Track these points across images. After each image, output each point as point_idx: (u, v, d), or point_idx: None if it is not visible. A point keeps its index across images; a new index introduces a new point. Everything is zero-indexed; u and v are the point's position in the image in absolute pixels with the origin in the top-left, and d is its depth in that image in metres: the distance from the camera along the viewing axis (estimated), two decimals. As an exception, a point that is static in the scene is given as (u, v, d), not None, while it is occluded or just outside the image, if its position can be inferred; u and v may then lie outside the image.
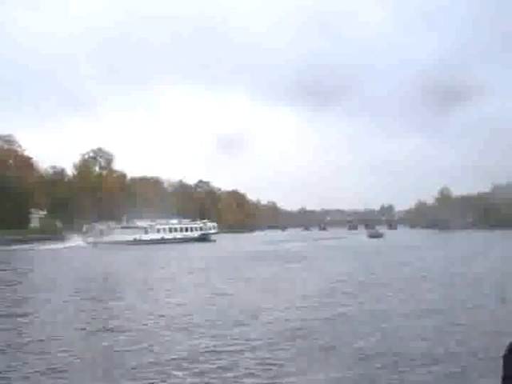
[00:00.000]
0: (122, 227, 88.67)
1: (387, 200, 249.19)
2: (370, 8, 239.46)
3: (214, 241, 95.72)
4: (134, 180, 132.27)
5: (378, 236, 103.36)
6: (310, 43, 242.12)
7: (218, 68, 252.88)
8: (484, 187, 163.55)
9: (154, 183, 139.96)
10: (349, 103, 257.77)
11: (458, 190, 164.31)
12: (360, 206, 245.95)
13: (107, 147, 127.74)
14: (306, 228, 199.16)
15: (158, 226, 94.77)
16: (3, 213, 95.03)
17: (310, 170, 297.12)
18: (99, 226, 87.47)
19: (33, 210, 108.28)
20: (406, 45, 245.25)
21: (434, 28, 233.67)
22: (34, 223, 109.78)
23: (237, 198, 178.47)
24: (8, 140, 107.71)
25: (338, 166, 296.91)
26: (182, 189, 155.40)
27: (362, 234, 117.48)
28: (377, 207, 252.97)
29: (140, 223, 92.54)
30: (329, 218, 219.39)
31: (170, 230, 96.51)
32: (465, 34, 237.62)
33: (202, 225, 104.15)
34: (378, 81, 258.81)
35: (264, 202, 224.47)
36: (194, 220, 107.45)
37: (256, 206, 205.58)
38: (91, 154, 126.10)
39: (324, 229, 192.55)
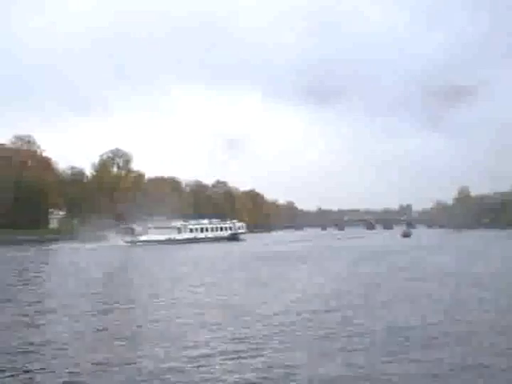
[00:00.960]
0: (157, 227, 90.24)
1: (405, 200, 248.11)
2: (371, 7, 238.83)
3: (244, 240, 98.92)
4: (151, 180, 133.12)
5: (409, 235, 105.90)
6: (313, 41, 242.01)
7: (230, 70, 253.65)
8: (502, 187, 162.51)
9: (171, 183, 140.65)
10: (366, 101, 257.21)
11: (476, 190, 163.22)
12: (377, 206, 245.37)
13: (125, 147, 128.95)
14: (324, 228, 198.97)
15: (191, 226, 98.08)
16: (23, 213, 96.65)
17: (327, 170, 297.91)
18: (136, 227, 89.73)
19: (51, 210, 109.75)
20: (413, 40, 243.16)
21: (438, 26, 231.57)
22: (53, 223, 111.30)
23: (254, 197, 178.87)
24: (27, 141, 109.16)
25: (355, 165, 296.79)
26: (199, 189, 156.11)
27: (383, 234, 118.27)
28: (395, 207, 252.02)
29: (174, 223, 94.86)
30: (346, 218, 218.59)
31: (202, 230, 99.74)
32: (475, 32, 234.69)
33: (231, 225, 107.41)
34: (394, 78, 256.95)
35: (282, 201, 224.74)
36: (223, 220, 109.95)
37: (273, 205, 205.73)
38: (109, 155, 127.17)
39: (342, 229, 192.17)
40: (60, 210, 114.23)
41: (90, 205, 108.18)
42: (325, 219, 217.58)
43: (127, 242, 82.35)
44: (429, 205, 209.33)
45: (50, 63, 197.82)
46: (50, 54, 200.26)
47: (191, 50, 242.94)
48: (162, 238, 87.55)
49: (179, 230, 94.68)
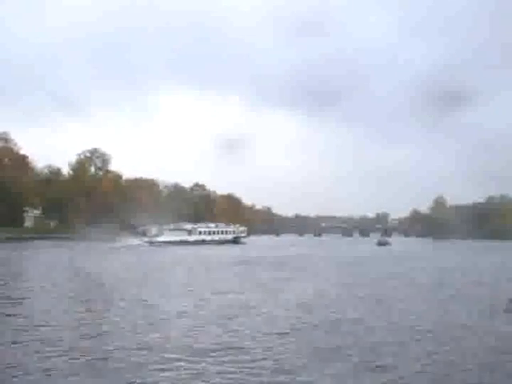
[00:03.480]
0: (170, 229, 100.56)
1: (382, 208, 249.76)
2: (369, 10, 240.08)
3: (244, 243, 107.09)
4: (128, 181, 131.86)
5: (386, 244, 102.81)
6: (307, 44, 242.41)
7: (214, 70, 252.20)
8: (479, 197, 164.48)
9: (149, 185, 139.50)
10: (347, 109, 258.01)
11: (453, 200, 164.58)
12: (355, 213, 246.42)
13: (103, 148, 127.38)
14: (301, 234, 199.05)
15: (200, 229, 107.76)
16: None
17: (305, 176, 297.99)
18: (153, 228, 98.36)
19: (27, 209, 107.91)
20: (408, 47, 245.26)
21: (444, 32, 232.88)
22: (28, 222, 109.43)
23: (232, 201, 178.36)
24: (3, 138, 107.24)
25: (333, 172, 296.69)
26: (178, 191, 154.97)
27: (362, 242, 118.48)
28: (372, 214, 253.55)
29: (185, 226, 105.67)
30: (323, 225, 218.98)
31: (209, 233, 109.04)
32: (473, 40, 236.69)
33: (234, 229, 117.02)
34: (375, 87, 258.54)
35: (259, 206, 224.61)
36: (227, 224, 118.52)
37: (251, 210, 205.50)
38: (87, 155, 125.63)
39: (319, 235, 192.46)
40: (35, 208, 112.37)
41: (66, 205, 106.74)
42: (302, 225, 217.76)
43: (146, 242, 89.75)
44: (406, 213, 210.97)
45: (31, 58, 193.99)
46: (32, 54, 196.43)
47: (177, 49, 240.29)
48: (176, 239, 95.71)
49: (190, 233, 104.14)
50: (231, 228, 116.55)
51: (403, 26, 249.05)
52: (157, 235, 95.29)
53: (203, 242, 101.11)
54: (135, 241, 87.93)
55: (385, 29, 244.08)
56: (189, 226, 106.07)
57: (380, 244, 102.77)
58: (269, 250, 78.67)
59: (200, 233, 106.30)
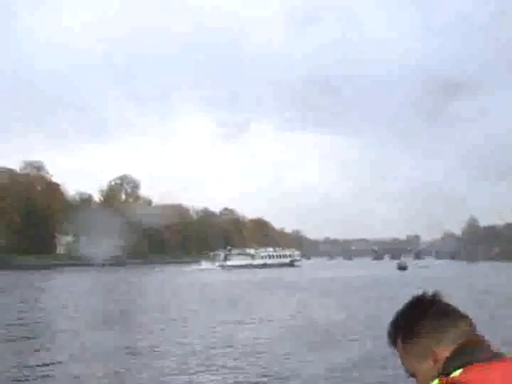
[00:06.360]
0: (237, 254, 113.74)
1: (414, 230, 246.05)
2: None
3: (299, 266, 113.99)
4: (158, 207, 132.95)
5: (405, 267, 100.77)
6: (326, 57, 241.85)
7: (240, 93, 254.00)
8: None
9: (179, 210, 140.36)
10: (375, 126, 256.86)
11: (485, 221, 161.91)
12: (385, 235, 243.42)
13: (133, 173, 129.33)
14: (331, 257, 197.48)
15: (262, 254, 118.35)
16: (30, 238, 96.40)
17: (333, 198, 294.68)
18: (223, 253, 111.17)
19: (59, 235, 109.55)
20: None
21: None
22: (60, 249, 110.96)
23: (261, 225, 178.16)
24: (37, 166, 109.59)
25: (362, 194, 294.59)
26: (207, 216, 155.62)
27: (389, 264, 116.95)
28: (403, 237, 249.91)
29: (248, 251, 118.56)
30: (354, 248, 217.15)
31: (269, 257, 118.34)
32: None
33: (291, 252, 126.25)
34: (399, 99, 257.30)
35: (289, 230, 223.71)
36: (284, 248, 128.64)
37: (280, 233, 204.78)
38: (118, 181, 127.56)
39: (349, 258, 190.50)
40: (67, 235, 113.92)
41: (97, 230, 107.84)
42: (332, 248, 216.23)
43: (218, 266, 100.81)
44: (438, 235, 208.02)
45: (57, 84, 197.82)
46: (59, 80, 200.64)
47: (202, 70, 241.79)
48: (243, 263, 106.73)
49: (253, 257, 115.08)
50: (288, 252, 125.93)
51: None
52: (226, 260, 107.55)
53: (265, 265, 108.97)
54: (208, 265, 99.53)
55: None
56: (252, 251, 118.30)
57: (400, 268, 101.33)
58: (333, 270, 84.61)
59: (262, 257, 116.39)
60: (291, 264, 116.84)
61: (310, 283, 54.68)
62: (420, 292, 1.65)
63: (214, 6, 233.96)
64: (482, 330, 1.61)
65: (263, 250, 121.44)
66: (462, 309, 1.62)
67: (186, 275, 76.49)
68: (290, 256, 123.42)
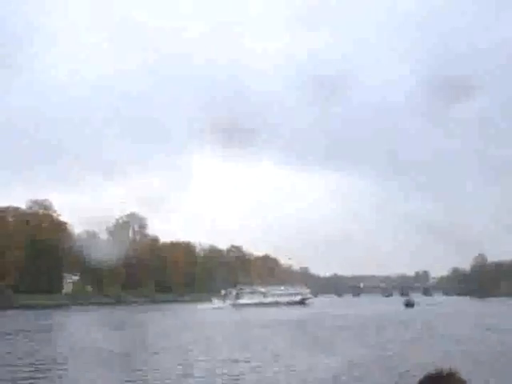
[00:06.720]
0: (249, 292, 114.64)
1: (422, 266, 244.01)
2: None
3: (309, 304, 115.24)
4: (165, 245, 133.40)
5: (413, 305, 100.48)
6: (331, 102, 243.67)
7: (248, 131, 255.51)
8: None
9: (186, 248, 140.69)
10: (380, 161, 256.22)
11: (493, 257, 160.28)
12: (393, 272, 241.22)
13: (140, 212, 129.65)
14: (339, 294, 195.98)
15: (273, 292, 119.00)
16: (37, 277, 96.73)
17: (341, 235, 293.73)
18: (234, 291, 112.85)
19: (65, 274, 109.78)
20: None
21: None
22: (67, 288, 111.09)
23: (269, 262, 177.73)
24: (44, 205, 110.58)
25: (369, 230, 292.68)
26: (213, 253, 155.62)
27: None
28: (411, 273, 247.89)
29: (260, 289, 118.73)
30: (362, 285, 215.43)
31: (280, 295, 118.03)
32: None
33: (301, 290, 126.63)
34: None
35: (296, 267, 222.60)
36: (295, 286, 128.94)
37: (287, 270, 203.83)
38: (125, 219, 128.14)
39: (358, 295, 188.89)
40: (73, 274, 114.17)
41: (102, 269, 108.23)
42: (339, 285, 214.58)
43: (229, 304, 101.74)
44: (445, 271, 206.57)
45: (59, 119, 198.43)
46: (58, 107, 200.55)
47: (209, 107, 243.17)
48: (253, 301, 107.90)
49: (264, 295, 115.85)
50: (298, 290, 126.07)
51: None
52: (237, 298, 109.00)
53: (276, 303, 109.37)
54: (220, 303, 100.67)
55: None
56: (263, 289, 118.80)
57: (407, 305, 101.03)
58: (343, 310, 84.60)
59: (273, 295, 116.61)
60: (302, 302, 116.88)
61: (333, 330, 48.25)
62: (435, 369, 1.78)
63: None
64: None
65: (274, 287, 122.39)
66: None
67: (199, 314, 78.88)
68: (300, 294, 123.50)
